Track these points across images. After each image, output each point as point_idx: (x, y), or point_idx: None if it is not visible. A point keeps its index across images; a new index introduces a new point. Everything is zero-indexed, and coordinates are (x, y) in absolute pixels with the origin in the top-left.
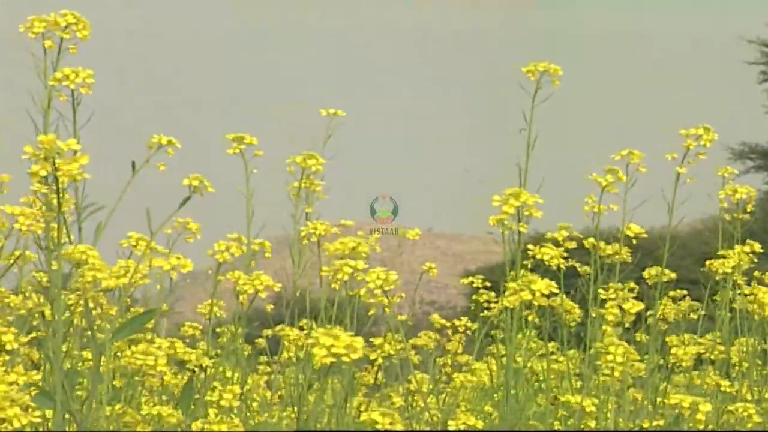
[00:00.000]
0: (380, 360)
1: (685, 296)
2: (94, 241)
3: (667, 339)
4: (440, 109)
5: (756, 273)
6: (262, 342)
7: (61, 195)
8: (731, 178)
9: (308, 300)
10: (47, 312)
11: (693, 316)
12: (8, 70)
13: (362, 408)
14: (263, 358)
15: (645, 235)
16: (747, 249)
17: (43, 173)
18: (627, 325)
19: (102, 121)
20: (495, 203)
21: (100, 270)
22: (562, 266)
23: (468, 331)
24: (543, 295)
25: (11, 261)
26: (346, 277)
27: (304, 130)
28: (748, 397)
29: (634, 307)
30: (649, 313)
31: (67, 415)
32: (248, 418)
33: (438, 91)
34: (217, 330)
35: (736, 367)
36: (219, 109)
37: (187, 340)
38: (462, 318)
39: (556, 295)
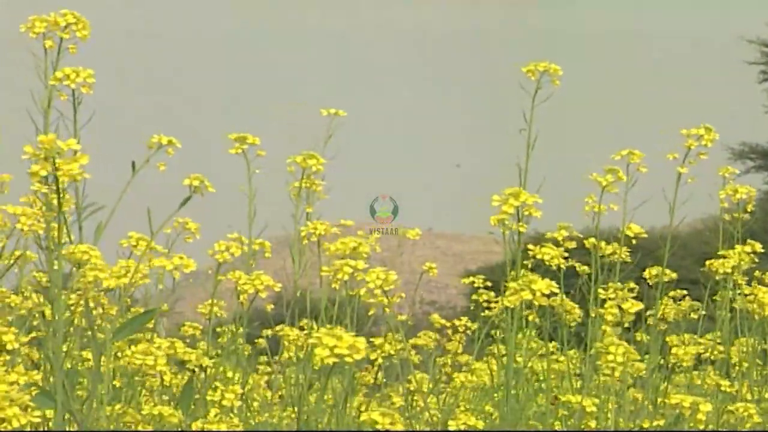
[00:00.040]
0: (380, 360)
1: (685, 296)
2: (94, 241)
3: (667, 339)
4: (440, 109)
5: (756, 273)
6: (262, 342)
7: (61, 195)
8: (732, 178)
9: (309, 300)
10: (47, 312)
11: (694, 316)
12: (8, 70)
13: (362, 408)
14: (263, 358)
15: (645, 235)
16: (748, 249)
17: (44, 173)
18: (627, 325)
19: (102, 121)
20: (494, 203)
21: (102, 270)
22: (562, 266)
23: (468, 331)
24: (543, 294)
25: (11, 261)
26: (346, 277)
27: (304, 130)
28: (748, 397)
29: (633, 306)
30: (648, 313)
31: (67, 415)
32: (249, 418)
33: (438, 91)
34: (218, 330)
35: (736, 367)
36: (219, 109)
37: (188, 340)
38: (462, 318)
39: (556, 294)
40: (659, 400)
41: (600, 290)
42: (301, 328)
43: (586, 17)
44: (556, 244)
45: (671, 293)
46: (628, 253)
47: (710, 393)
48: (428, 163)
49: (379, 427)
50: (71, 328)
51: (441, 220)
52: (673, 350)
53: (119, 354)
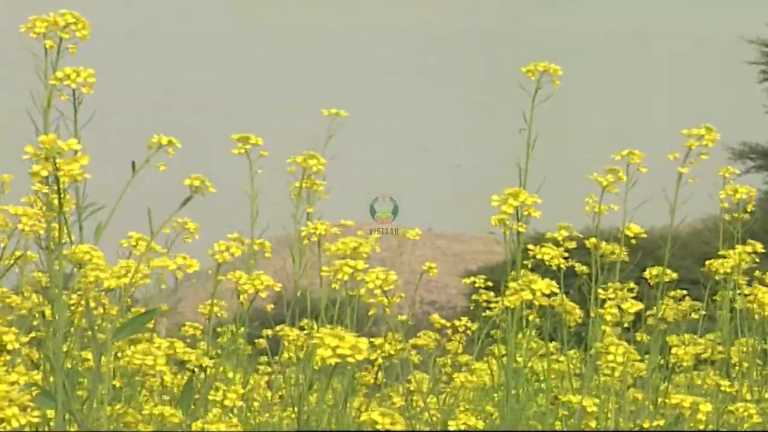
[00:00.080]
0: (380, 360)
1: (685, 296)
2: (94, 241)
3: (667, 339)
4: (440, 109)
5: (756, 273)
6: (262, 342)
7: (62, 195)
8: (732, 178)
9: (309, 300)
10: (47, 312)
11: (694, 316)
12: (8, 70)
13: (362, 408)
14: (264, 359)
15: (644, 235)
16: (749, 249)
17: (44, 173)
18: (626, 325)
19: (102, 121)
20: (494, 203)
21: (103, 270)
22: (562, 266)
23: (468, 331)
24: (543, 294)
25: (12, 261)
26: (345, 277)
27: (304, 130)
28: (748, 397)
29: (633, 306)
30: (648, 313)
31: (67, 416)
32: (249, 418)
33: (438, 91)
34: (218, 330)
35: (736, 367)
36: (219, 109)
37: (188, 340)
38: (462, 318)
39: (556, 294)
40: (659, 400)
41: (600, 290)
42: (302, 328)
43: (586, 17)
44: (556, 244)
45: (671, 293)
46: (627, 253)
47: (710, 393)
48: (428, 163)
49: (379, 427)
50: (71, 328)
51: (441, 220)
52: (673, 350)
53: (119, 354)
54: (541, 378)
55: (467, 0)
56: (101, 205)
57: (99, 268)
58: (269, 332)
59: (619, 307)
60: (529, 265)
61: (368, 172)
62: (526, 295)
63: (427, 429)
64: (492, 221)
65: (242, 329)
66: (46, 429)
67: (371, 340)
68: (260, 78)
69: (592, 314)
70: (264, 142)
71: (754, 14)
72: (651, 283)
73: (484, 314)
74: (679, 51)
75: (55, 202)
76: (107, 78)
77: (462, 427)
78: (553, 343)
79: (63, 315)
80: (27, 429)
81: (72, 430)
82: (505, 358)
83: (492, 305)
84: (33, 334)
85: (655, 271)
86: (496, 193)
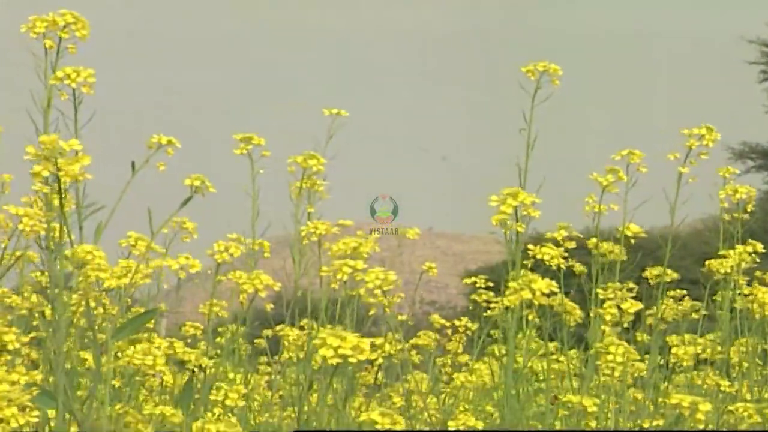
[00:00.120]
0: (380, 360)
1: (685, 296)
2: (94, 241)
3: (667, 339)
4: (440, 109)
5: (757, 273)
6: (262, 342)
7: (63, 195)
8: (732, 178)
9: (309, 300)
10: (47, 312)
11: (694, 316)
12: (8, 70)
13: (362, 408)
14: (263, 358)
15: (644, 235)
16: (749, 249)
17: (46, 174)
18: (626, 325)
19: (102, 121)
20: (492, 203)
21: (104, 270)
22: (562, 266)
23: (468, 331)
24: (543, 294)
25: (12, 261)
26: (345, 277)
27: (304, 130)
28: (748, 397)
29: (633, 306)
30: (648, 313)
31: (67, 415)
32: (249, 418)
33: (438, 91)
34: (219, 330)
35: (736, 367)
36: (219, 109)
37: (188, 340)
38: (462, 318)
39: (556, 294)
40: (659, 400)
41: (599, 290)
42: (302, 328)
43: (586, 17)
44: (556, 244)
45: (671, 293)
46: (627, 253)
47: (710, 393)
48: (428, 163)
49: (378, 427)
50: (71, 328)
51: (441, 220)
52: (673, 350)
53: (119, 354)
54: (541, 378)
55: (467, 0)
56: (101, 205)
57: (100, 269)
58: (269, 332)
59: (619, 307)
60: (529, 265)
61: (368, 172)
62: (526, 295)
63: (427, 429)
64: (492, 221)
65: (242, 329)
66: (46, 429)
67: (371, 340)
68: (260, 78)
69: (592, 314)
70: (264, 142)
71: (754, 14)
72: (651, 283)
73: (484, 314)
74: (679, 51)
75: (56, 202)
76: (107, 78)
77: (462, 427)
78: (553, 343)
79: (63, 315)
80: (27, 429)
81: (72, 430)
82: (505, 358)
83: (492, 305)
84: (33, 334)
85: (655, 271)
86: (495, 193)
